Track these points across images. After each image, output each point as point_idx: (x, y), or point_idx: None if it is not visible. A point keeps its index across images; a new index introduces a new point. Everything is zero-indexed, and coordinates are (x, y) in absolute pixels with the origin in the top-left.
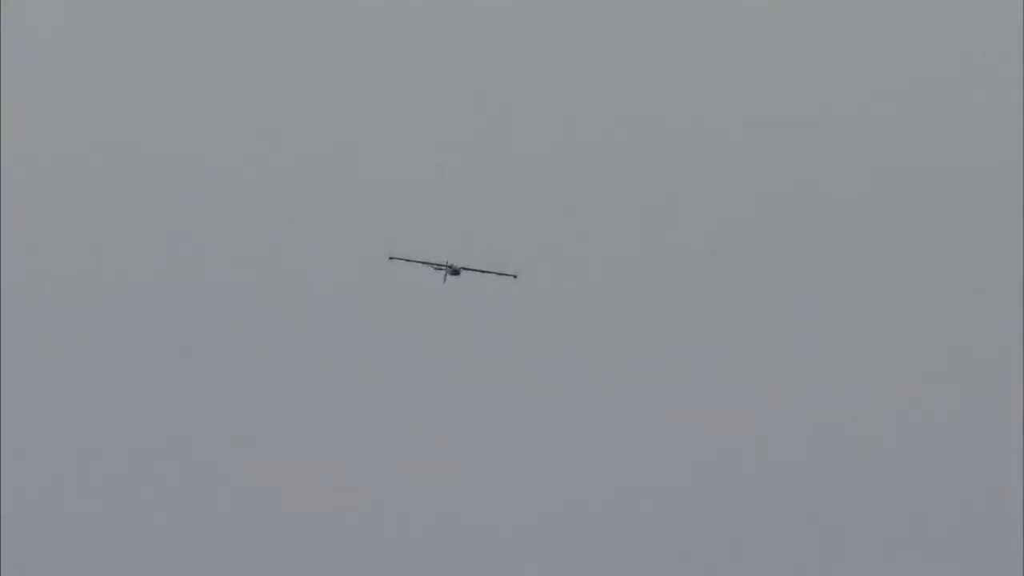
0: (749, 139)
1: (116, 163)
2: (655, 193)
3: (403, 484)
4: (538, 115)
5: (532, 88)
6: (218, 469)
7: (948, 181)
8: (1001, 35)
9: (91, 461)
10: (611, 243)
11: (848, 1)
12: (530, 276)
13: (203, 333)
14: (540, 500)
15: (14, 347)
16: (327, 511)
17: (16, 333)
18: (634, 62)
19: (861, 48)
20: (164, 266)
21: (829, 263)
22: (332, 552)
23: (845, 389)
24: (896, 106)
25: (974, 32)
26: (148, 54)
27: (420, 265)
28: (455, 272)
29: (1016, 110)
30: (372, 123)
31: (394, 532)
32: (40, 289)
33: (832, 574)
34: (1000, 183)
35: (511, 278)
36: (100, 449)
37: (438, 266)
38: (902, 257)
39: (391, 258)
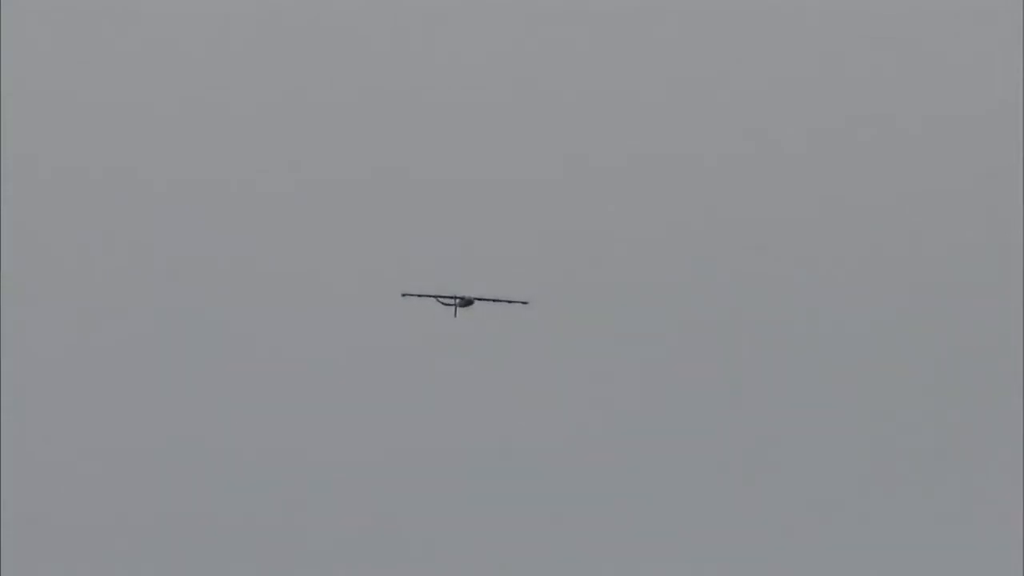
0: (757, 162)
1: (117, 166)
2: (668, 216)
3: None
4: (546, 140)
5: (540, 113)
6: (218, 473)
7: (947, 194)
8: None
9: (90, 461)
10: (623, 267)
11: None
12: (542, 302)
13: (204, 335)
14: (557, 518)
15: (14, 347)
16: (334, 528)
17: (16, 333)
18: (648, 80)
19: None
20: (165, 269)
21: (836, 272)
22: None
23: (851, 397)
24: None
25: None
26: (149, 56)
27: (432, 300)
28: (467, 304)
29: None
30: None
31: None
32: (40, 290)
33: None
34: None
35: (523, 304)
36: (99, 450)
37: (448, 299)
38: (902, 260)
39: (404, 295)
